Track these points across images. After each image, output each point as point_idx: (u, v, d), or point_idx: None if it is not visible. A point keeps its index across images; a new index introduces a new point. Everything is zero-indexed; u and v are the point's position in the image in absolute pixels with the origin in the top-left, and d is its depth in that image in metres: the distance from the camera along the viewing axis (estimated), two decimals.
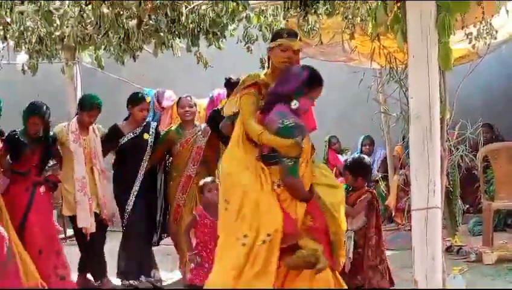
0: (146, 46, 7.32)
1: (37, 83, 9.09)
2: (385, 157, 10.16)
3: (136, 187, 6.74)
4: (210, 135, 6.82)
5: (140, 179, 6.77)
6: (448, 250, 7.39)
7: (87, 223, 6.59)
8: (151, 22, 6.42)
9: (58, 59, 7.78)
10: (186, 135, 6.90)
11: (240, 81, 4.81)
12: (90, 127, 6.79)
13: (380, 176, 10.21)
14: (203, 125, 7.03)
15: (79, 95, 7.52)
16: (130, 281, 6.64)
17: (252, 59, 7.61)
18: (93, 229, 6.62)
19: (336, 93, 10.81)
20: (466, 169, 7.15)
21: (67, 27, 6.48)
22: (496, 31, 5.23)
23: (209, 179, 5.91)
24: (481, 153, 7.14)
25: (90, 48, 7.52)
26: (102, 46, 7.35)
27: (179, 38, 7.13)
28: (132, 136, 6.84)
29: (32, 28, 6.58)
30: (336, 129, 10.80)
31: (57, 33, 6.86)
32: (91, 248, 6.74)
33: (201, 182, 5.87)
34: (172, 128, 7.10)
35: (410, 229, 4.00)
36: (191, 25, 6.75)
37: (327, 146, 10.70)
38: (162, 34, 6.72)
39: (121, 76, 9.24)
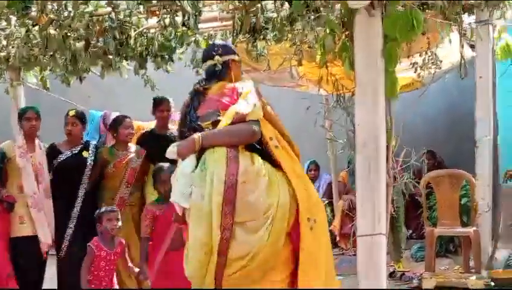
0: (93, 68, 7.25)
1: None
2: (330, 183, 10.23)
3: (76, 208, 6.55)
4: (144, 157, 6.78)
5: (81, 200, 6.59)
6: (391, 275, 7.47)
7: (49, 239, 6.43)
8: (99, 44, 6.36)
9: (2, 79, 7.64)
10: (119, 155, 6.78)
11: None
12: (36, 143, 6.63)
13: (325, 201, 10.28)
14: (137, 146, 6.94)
15: None
16: None
17: None
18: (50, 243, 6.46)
19: (283, 118, 10.88)
20: (410, 195, 7.26)
21: (13, 47, 6.39)
22: (441, 61, 5.36)
23: (108, 207, 5.68)
24: (424, 180, 7.25)
25: (36, 68, 7.41)
26: (48, 67, 7.25)
27: (127, 60, 7.09)
28: (70, 154, 6.69)
29: None
30: None
31: (2, 54, 6.75)
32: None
33: (101, 210, 5.58)
34: (106, 148, 6.98)
35: (354, 254, 4.04)
36: (139, 48, 6.72)
37: None
38: (109, 56, 6.66)
39: (67, 97, 9.12)
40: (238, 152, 4.18)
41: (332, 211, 10.08)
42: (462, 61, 5.84)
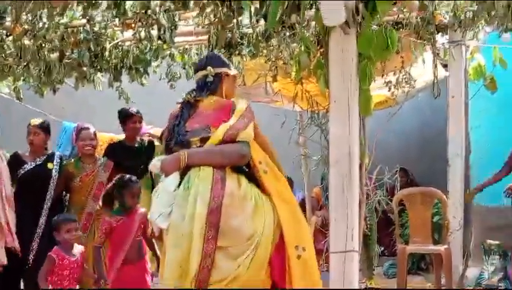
0: (67, 80, 7.20)
1: None
2: (303, 199, 10.24)
3: (42, 220, 6.37)
4: (111, 169, 6.61)
5: (46, 212, 6.38)
6: None
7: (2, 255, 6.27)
8: (73, 55, 6.33)
9: None
10: (86, 168, 6.61)
11: None
12: None
13: None
14: (104, 158, 6.75)
15: None
16: None
17: (178, 96, 7.62)
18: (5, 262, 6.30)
19: None
20: (382, 213, 7.29)
21: None
22: (414, 80, 5.41)
23: (66, 216, 5.45)
24: (397, 198, 7.29)
25: (9, 78, 7.34)
26: (22, 78, 7.20)
27: (101, 72, 7.06)
28: (34, 165, 6.50)
29: None
30: None
31: None
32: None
33: (58, 218, 5.30)
34: (71, 161, 6.78)
35: (327, 270, 4.03)
36: (114, 60, 6.69)
37: None
38: (84, 68, 6.62)
39: (40, 108, 9.05)
40: (225, 173, 4.03)
41: None
42: (435, 81, 5.92)
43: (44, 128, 6.59)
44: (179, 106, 4.40)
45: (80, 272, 5.16)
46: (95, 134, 6.76)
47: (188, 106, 4.33)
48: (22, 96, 7.80)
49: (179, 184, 4.05)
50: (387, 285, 7.77)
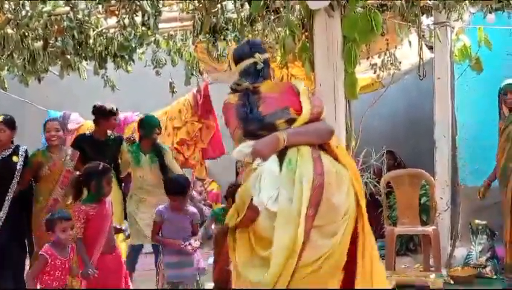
0: (52, 68, 7.16)
1: None
2: None
3: (3, 212, 6.38)
4: (78, 159, 6.65)
5: (8, 204, 6.42)
6: None
7: None
8: (57, 43, 6.29)
9: None
10: (54, 158, 6.61)
11: None
12: None
13: None
14: (70, 149, 6.80)
15: None
16: None
17: (163, 82, 7.60)
18: None
19: None
20: (370, 195, 7.31)
21: None
22: (400, 62, 5.41)
23: (62, 213, 5.07)
24: (384, 180, 7.31)
25: None
26: (6, 67, 7.15)
27: (86, 60, 7.02)
28: (0, 158, 6.52)
29: None
30: None
31: None
32: None
33: (53, 216, 5.00)
34: (40, 151, 6.77)
35: None
36: (98, 48, 6.65)
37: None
38: (68, 56, 6.58)
39: (25, 97, 9.00)
40: (318, 151, 3.99)
41: None
42: (421, 63, 5.92)
43: (9, 123, 6.59)
44: (234, 96, 4.24)
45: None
46: (62, 127, 6.79)
47: (249, 94, 4.19)
48: (6, 86, 7.74)
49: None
50: None
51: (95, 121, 7.07)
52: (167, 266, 5.20)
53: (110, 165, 6.12)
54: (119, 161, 7.05)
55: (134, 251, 6.88)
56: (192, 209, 5.62)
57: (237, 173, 10.77)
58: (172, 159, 7.18)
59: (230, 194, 5.37)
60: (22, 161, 6.54)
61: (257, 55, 4.23)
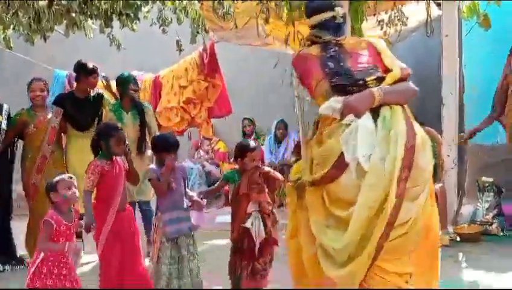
0: (57, 27, 7.13)
1: None
2: (299, 141, 10.25)
3: None
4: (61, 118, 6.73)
5: None
6: None
7: None
8: (62, 2, 6.26)
9: None
10: (38, 116, 6.69)
11: None
12: None
13: (294, 159, 10.31)
14: (54, 107, 6.82)
15: None
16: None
17: (169, 41, 7.56)
18: None
19: (251, 77, 10.86)
20: None
21: None
22: (407, 18, 5.36)
23: (64, 175, 4.89)
24: None
25: None
26: (12, 26, 7.12)
27: (91, 19, 6.98)
28: None
29: None
30: (251, 113, 10.84)
31: None
32: None
33: (55, 179, 4.75)
34: (25, 110, 6.80)
35: None
36: (104, 6, 6.62)
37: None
38: (73, 14, 6.55)
39: (31, 57, 8.98)
40: (408, 112, 3.90)
41: None
42: (428, 20, 5.86)
43: None
44: (314, 48, 4.11)
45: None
46: (46, 88, 6.80)
47: (332, 47, 4.09)
48: (12, 45, 7.72)
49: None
50: None
51: (76, 79, 7.06)
52: (166, 223, 5.18)
53: (93, 123, 6.32)
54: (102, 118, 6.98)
55: None
56: (179, 165, 5.51)
57: (244, 133, 10.80)
58: (152, 117, 7.14)
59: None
60: (5, 120, 6.61)
61: (338, 9, 4.10)
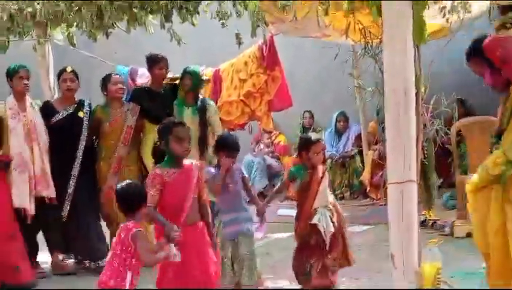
0: (119, 23, 7.22)
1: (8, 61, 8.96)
2: (360, 133, 10.19)
3: (75, 169, 6.48)
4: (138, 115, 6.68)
5: (80, 159, 6.51)
6: (423, 224, 7.44)
7: (25, 202, 6.12)
8: None
9: (29, 37, 7.61)
10: (113, 113, 6.69)
11: None
12: (28, 103, 6.42)
13: (355, 151, 10.26)
14: (131, 104, 6.78)
15: (52, 73, 7.42)
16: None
17: (228, 35, 7.57)
18: (33, 212, 6.17)
19: (307, 67, 10.81)
20: (440, 144, 7.20)
21: (38, 3, 6.38)
22: (470, 5, 5.25)
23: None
24: (455, 128, 7.18)
25: (62, 25, 7.39)
26: (75, 23, 7.24)
27: (152, 14, 7.05)
28: (65, 114, 6.60)
29: (2, 5, 6.46)
30: (310, 105, 10.80)
31: (29, 10, 6.74)
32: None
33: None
34: (99, 107, 6.83)
35: (385, 204, 4.00)
36: (163, 1, 6.67)
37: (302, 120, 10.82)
38: (134, 10, 6.63)
39: (93, 54, 9.14)
40: None
41: (362, 161, 10.07)
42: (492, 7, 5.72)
43: (77, 75, 6.66)
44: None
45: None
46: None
47: None
48: (75, 42, 7.85)
49: None
50: (446, 216, 7.71)
51: (150, 72, 7.09)
52: (225, 224, 5.10)
53: (170, 116, 6.10)
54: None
55: None
56: (236, 165, 5.26)
57: (303, 126, 10.77)
58: (215, 114, 7.09)
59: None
60: (88, 116, 6.59)
61: None
